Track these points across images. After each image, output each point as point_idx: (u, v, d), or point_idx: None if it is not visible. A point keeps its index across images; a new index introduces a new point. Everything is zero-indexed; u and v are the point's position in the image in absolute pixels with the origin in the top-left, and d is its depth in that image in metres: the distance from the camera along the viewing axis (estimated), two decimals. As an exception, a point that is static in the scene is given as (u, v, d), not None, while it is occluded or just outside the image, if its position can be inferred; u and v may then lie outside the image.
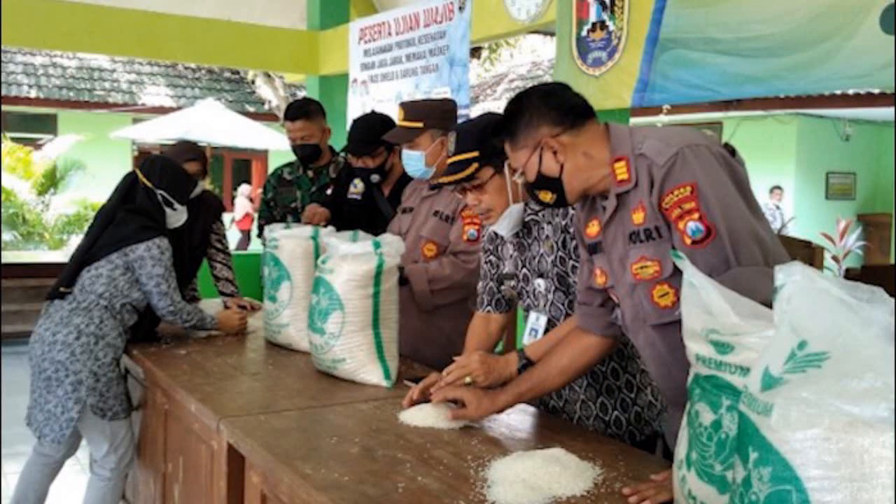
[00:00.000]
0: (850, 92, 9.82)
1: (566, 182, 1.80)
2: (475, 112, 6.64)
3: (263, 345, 3.13)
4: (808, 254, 5.94)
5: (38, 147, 12.96)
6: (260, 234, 3.70)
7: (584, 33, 4.01)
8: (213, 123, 11.98)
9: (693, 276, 1.39)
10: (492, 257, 2.45)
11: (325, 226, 3.35)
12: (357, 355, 2.51)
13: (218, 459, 2.23)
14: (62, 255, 8.17)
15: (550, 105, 1.80)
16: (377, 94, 5.88)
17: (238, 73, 16.36)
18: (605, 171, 1.78)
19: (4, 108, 13.16)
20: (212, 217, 3.68)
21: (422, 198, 3.00)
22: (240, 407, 2.27)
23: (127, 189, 3.14)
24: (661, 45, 3.61)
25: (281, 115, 8.66)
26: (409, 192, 3.13)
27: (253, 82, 16.30)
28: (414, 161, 2.91)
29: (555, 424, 2.17)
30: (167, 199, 3.14)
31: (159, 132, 12.06)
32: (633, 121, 4.89)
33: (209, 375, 2.65)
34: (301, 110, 3.92)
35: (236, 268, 3.81)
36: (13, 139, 12.73)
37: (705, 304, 1.36)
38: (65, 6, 6.04)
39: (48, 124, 14.52)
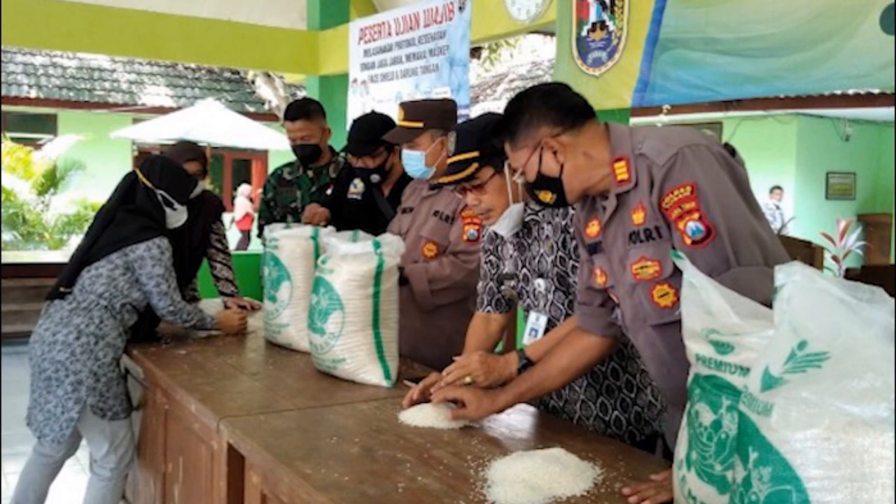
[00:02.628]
0: (850, 92, 9.83)
1: (566, 182, 1.80)
2: (475, 112, 6.64)
3: (263, 345, 3.13)
4: (808, 254, 5.93)
5: (38, 147, 12.95)
6: (260, 234, 3.70)
7: (584, 33, 4.01)
8: (213, 123, 11.97)
9: (693, 276, 1.39)
10: (492, 257, 2.45)
11: (325, 226, 3.35)
12: (357, 355, 2.51)
13: (218, 459, 2.23)
14: (62, 255, 8.16)
15: (550, 105, 1.80)
16: (377, 94, 5.88)
17: (238, 73, 16.36)
18: (605, 171, 1.77)
19: (4, 108, 13.16)
20: (212, 217, 3.68)
21: (422, 198, 3.00)
22: (240, 407, 2.27)
23: (127, 189, 3.14)
24: (661, 45, 3.61)
25: (281, 115, 8.66)
26: (409, 192, 3.13)
27: (253, 82, 16.29)
28: (414, 161, 2.91)
29: (555, 424, 2.17)
30: (167, 199, 3.14)
31: (159, 132, 12.06)
32: (633, 121, 4.89)
33: (209, 375, 2.65)
34: (301, 110, 3.91)
35: (236, 268, 3.81)
36: (13, 139, 12.72)
37: (705, 304, 1.36)
38: (65, 6, 6.04)
39: (48, 124, 14.52)
